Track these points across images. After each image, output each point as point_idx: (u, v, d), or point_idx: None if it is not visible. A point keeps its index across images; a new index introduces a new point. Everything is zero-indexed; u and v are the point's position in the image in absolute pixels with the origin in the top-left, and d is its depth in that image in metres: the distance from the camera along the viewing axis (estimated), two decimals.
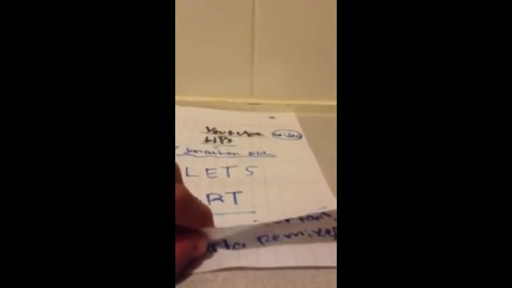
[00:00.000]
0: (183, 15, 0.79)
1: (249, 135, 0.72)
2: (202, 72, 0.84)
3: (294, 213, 0.45)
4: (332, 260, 0.40)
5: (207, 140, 0.69)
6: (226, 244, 0.42)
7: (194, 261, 0.40)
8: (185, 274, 0.39)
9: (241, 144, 0.68)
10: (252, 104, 0.84)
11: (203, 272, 0.39)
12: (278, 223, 0.45)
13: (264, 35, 0.81)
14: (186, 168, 0.58)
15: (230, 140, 0.70)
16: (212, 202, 0.51)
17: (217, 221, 0.42)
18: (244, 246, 0.42)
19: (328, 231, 0.44)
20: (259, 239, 0.43)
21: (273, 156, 0.64)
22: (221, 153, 0.65)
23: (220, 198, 0.52)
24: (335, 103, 0.75)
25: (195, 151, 0.65)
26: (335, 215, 0.46)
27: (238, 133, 0.73)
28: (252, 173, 0.59)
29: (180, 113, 0.80)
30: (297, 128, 0.76)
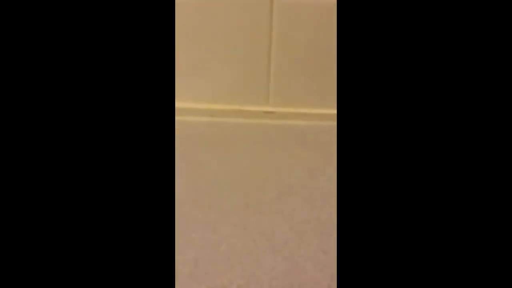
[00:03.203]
0: (199, 24, 0.80)
1: None
2: (218, 81, 0.85)
3: None
4: None
5: None
6: None
7: None
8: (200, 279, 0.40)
9: None
10: (267, 112, 0.85)
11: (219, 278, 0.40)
12: None
13: (282, 44, 0.82)
14: None
15: None
16: None
17: None
18: None
19: None
20: None
21: None
22: None
23: None
24: None
25: None
26: None
27: None
28: None
29: None
30: None
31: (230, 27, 0.80)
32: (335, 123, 0.81)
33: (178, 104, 0.81)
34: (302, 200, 0.66)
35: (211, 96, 0.85)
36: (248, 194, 0.67)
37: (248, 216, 0.62)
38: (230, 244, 0.57)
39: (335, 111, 0.82)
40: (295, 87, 0.84)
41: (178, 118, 0.80)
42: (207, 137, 0.80)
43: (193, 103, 0.83)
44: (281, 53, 0.81)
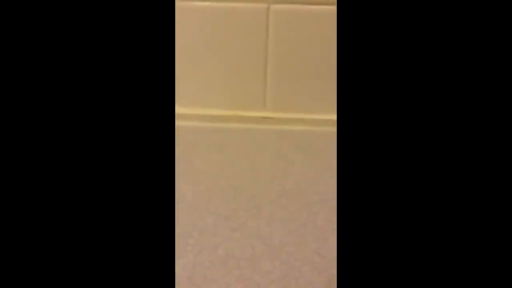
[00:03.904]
0: (196, 30, 0.80)
1: None
2: (214, 86, 0.85)
3: None
4: None
5: None
6: None
7: None
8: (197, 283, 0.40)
9: None
10: (265, 118, 0.85)
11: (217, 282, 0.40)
12: None
13: (278, 49, 0.82)
14: None
15: None
16: None
17: None
18: None
19: None
20: None
21: None
22: None
23: None
24: None
25: None
26: None
27: None
28: None
29: None
30: None
31: (227, 32, 0.80)
32: (332, 128, 0.82)
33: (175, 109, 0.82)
34: (299, 205, 0.66)
35: (208, 101, 0.85)
36: (246, 199, 0.67)
37: (245, 221, 0.62)
38: (228, 248, 0.57)
39: (332, 117, 0.82)
40: (292, 92, 0.84)
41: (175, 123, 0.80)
42: (204, 142, 0.80)
43: (190, 109, 0.83)
44: (278, 58, 0.82)
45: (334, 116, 0.82)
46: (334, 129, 0.80)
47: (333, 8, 0.77)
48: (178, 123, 0.80)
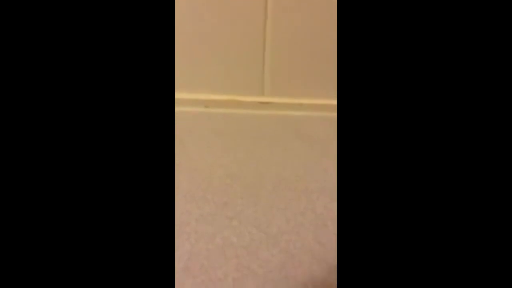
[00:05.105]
0: (194, 13, 0.79)
1: None
2: (212, 71, 0.84)
3: None
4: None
5: None
6: None
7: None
8: (194, 273, 0.39)
9: None
10: (262, 103, 0.84)
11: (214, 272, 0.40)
12: None
13: (276, 33, 0.81)
14: None
15: None
16: None
17: None
18: None
19: None
20: None
21: None
22: None
23: None
24: None
25: None
26: None
27: None
28: None
29: None
30: None
31: (225, 17, 0.79)
32: (330, 113, 0.81)
33: None
34: (298, 192, 0.65)
35: (205, 86, 0.84)
36: (243, 186, 0.66)
37: (243, 209, 0.62)
38: (225, 237, 0.57)
39: (330, 102, 0.82)
40: (290, 77, 0.84)
41: None
42: (202, 128, 0.79)
43: (188, 94, 0.82)
44: (276, 43, 0.81)
45: (333, 101, 0.81)
46: (333, 114, 0.79)
47: None
48: (175, 108, 0.79)
